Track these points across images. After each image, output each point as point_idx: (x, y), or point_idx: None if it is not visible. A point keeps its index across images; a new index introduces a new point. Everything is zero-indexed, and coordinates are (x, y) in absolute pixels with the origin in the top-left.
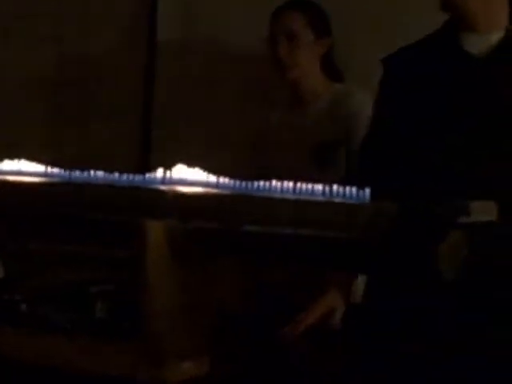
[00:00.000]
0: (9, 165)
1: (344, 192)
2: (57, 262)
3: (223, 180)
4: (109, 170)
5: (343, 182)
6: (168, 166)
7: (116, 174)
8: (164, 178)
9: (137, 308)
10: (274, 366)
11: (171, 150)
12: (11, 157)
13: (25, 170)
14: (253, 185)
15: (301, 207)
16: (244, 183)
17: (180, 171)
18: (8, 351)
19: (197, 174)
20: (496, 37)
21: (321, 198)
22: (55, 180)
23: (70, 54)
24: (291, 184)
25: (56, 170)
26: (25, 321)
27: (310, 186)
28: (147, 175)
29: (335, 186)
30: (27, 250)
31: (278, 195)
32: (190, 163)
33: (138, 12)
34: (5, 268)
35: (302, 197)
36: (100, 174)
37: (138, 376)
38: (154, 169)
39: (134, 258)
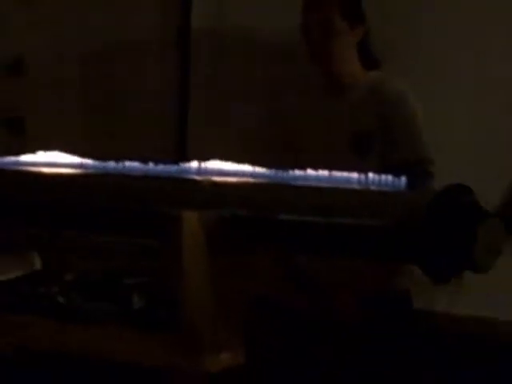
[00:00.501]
0: (44, 156)
1: (380, 180)
2: (93, 254)
3: (258, 169)
4: (144, 160)
5: (380, 170)
6: (204, 159)
7: (151, 165)
8: (199, 167)
9: (173, 299)
10: (309, 356)
11: (207, 142)
12: (47, 149)
13: (60, 161)
14: (288, 174)
15: (336, 195)
16: (279, 172)
17: (215, 162)
18: (46, 343)
19: (231, 164)
20: None
21: (356, 187)
22: (91, 171)
23: (104, 43)
24: (327, 172)
25: (91, 162)
26: (62, 313)
27: (345, 174)
28: (182, 165)
29: (371, 175)
30: (63, 242)
31: (313, 184)
32: (226, 155)
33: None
34: (41, 260)
35: (338, 185)
36: (135, 164)
37: (175, 366)
38: (189, 160)
39: (170, 249)
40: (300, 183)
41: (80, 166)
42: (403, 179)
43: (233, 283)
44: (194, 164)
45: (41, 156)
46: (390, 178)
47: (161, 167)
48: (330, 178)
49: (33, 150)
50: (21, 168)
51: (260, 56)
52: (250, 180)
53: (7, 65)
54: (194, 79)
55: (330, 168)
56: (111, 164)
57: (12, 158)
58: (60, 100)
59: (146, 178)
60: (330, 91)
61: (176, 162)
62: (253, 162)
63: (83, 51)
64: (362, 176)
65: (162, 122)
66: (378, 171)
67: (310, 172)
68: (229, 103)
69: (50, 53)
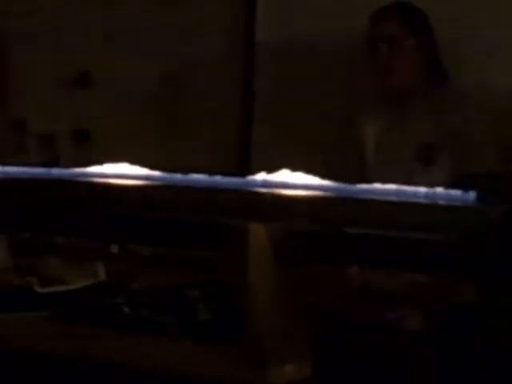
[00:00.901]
0: (112, 168)
1: (448, 194)
2: (158, 265)
3: (325, 182)
4: (210, 172)
5: (449, 185)
6: (269, 169)
7: (218, 177)
8: (265, 180)
9: (238, 310)
10: (378, 369)
11: (272, 152)
12: (113, 160)
13: (127, 173)
14: (354, 187)
15: (403, 209)
16: (346, 185)
17: (281, 174)
18: (111, 354)
19: (298, 176)
20: None
21: (424, 201)
22: (157, 183)
23: (171, 56)
24: (393, 186)
25: (158, 173)
26: (127, 323)
27: (412, 188)
28: (248, 178)
29: (438, 189)
30: (128, 253)
31: (380, 197)
32: (292, 165)
33: (236, 13)
34: (106, 271)
35: (405, 199)
36: (202, 177)
37: (239, 379)
38: (255, 172)
39: (236, 261)
40: (366, 197)
41: (146, 177)
42: (471, 193)
43: (299, 296)
44: (260, 177)
45: (108, 167)
46: (457, 191)
47: (227, 180)
48: (397, 192)
49: (99, 162)
50: (88, 179)
51: (324, 67)
52: (317, 193)
53: (74, 78)
54: (259, 92)
55: (397, 181)
56: (177, 176)
57: (80, 170)
58: (126, 113)
59: (212, 190)
60: (394, 104)
61: (242, 174)
62: (319, 175)
63: (149, 66)
64: (430, 190)
65: (227, 135)
66: (445, 184)
67: (377, 186)
68: (294, 114)
69: (117, 67)
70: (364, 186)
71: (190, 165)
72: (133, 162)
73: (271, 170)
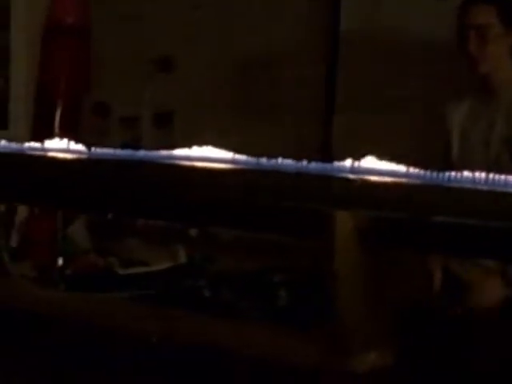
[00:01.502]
0: (197, 151)
1: None
2: (239, 249)
3: (412, 170)
4: (293, 157)
5: None
6: (350, 155)
7: (304, 163)
8: (353, 166)
9: (322, 297)
10: (458, 358)
11: (353, 141)
12: (199, 143)
13: (213, 156)
14: (443, 175)
15: (493, 198)
16: (434, 173)
17: (367, 161)
18: (191, 336)
19: (384, 164)
20: None
21: None
22: (243, 167)
23: (252, 44)
24: (483, 175)
25: (244, 157)
26: (208, 306)
27: (502, 177)
28: (336, 164)
29: None
30: (210, 236)
31: (469, 186)
32: (376, 153)
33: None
34: (187, 253)
35: (494, 188)
36: (288, 162)
37: (323, 365)
38: (337, 159)
39: (322, 248)
40: (455, 185)
41: (232, 161)
42: None
43: (385, 284)
44: (348, 163)
45: (194, 150)
46: None
47: (314, 165)
48: (486, 181)
49: (183, 145)
50: (174, 162)
51: (412, 58)
52: (404, 180)
53: (156, 62)
54: (342, 82)
55: (487, 170)
56: (264, 161)
57: (165, 152)
58: (210, 97)
59: (299, 175)
60: (484, 95)
61: (329, 160)
62: (407, 163)
63: (231, 51)
64: None
65: (310, 121)
66: None
67: (466, 174)
68: (376, 103)
69: (199, 51)
70: (453, 175)
71: (271, 150)
72: (215, 145)
73: (353, 158)
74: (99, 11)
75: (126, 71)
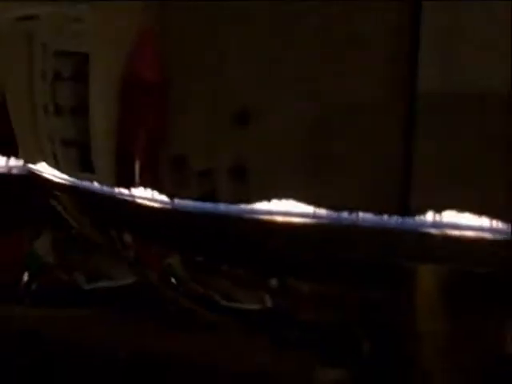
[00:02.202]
0: (277, 205)
1: None
2: (321, 304)
3: (497, 224)
4: (378, 212)
5: None
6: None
7: (385, 216)
8: (435, 221)
9: (402, 354)
10: None
11: (431, 194)
12: (277, 197)
13: (293, 210)
14: None
15: None
16: None
17: (448, 215)
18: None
19: (464, 217)
20: None
21: None
22: (324, 221)
23: (329, 96)
24: None
25: (324, 211)
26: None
27: None
28: (417, 218)
29: None
30: (289, 288)
31: None
32: (455, 206)
33: (397, 59)
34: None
35: None
36: (369, 216)
37: None
38: (414, 212)
39: (403, 303)
40: None
41: (313, 216)
42: None
43: (471, 345)
44: (429, 216)
45: (274, 204)
46: None
47: (394, 219)
48: None
49: (259, 199)
50: (254, 216)
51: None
52: (488, 235)
53: (232, 113)
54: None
55: None
56: (344, 215)
57: (245, 207)
58: (282, 151)
59: (379, 229)
60: None
61: (411, 214)
62: (491, 216)
63: (306, 105)
64: None
65: (387, 172)
66: None
67: None
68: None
69: (275, 104)
70: None
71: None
72: (296, 198)
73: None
74: (179, 63)
75: (203, 122)
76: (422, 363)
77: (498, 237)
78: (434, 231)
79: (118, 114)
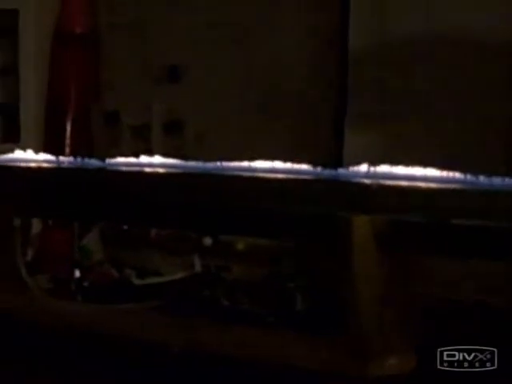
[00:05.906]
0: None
1: None
2: (253, 257)
3: (430, 172)
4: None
5: None
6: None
7: (319, 169)
8: (368, 171)
9: (339, 302)
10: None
11: (364, 154)
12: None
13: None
14: (479, 179)
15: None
16: (464, 176)
17: (382, 167)
18: (209, 345)
19: (399, 169)
20: None
21: None
22: (261, 175)
23: (261, 52)
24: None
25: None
26: (226, 315)
27: None
28: (351, 169)
29: None
30: (222, 246)
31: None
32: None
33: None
34: (201, 263)
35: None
36: (303, 167)
37: (341, 370)
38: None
39: (340, 252)
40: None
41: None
42: None
43: (403, 287)
44: (364, 168)
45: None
46: None
47: (328, 171)
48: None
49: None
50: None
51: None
52: (421, 184)
53: (164, 73)
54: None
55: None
56: (279, 165)
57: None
58: (215, 106)
59: (315, 181)
60: None
61: (345, 165)
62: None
63: (238, 61)
64: None
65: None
66: None
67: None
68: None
69: (207, 60)
70: (495, 179)
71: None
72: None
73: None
74: (108, 19)
75: (136, 79)
76: (357, 308)
77: (432, 186)
78: (367, 181)
79: (48, 70)
